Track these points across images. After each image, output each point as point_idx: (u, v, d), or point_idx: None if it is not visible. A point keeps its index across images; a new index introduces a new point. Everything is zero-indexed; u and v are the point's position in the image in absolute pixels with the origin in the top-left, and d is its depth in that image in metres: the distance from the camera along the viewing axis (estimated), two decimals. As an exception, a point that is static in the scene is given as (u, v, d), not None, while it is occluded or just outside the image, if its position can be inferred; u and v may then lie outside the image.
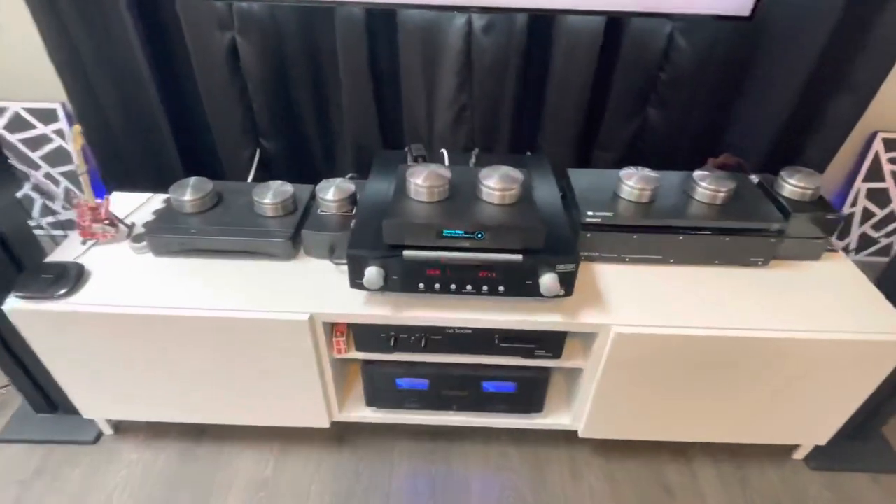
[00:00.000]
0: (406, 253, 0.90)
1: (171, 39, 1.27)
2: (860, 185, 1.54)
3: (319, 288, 1.00)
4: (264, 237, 1.03)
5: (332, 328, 1.03)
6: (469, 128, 1.37)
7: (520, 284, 0.92)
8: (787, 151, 1.39)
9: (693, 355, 0.97)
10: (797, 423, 1.10)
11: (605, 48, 1.25)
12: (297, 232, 1.06)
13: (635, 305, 0.98)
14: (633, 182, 1.04)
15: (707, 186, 1.04)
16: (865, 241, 1.64)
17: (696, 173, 1.06)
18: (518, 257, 0.90)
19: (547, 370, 1.07)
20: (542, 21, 1.23)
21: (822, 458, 1.18)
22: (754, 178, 1.15)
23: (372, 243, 0.91)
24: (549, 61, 1.29)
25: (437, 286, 0.92)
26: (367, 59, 1.27)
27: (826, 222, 1.05)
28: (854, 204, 1.57)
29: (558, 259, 0.90)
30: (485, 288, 0.92)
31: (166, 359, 1.03)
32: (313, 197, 1.14)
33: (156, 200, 1.24)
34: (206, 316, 0.96)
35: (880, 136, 1.47)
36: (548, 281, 0.89)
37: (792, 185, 1.07)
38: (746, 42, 1.26)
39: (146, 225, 1.08)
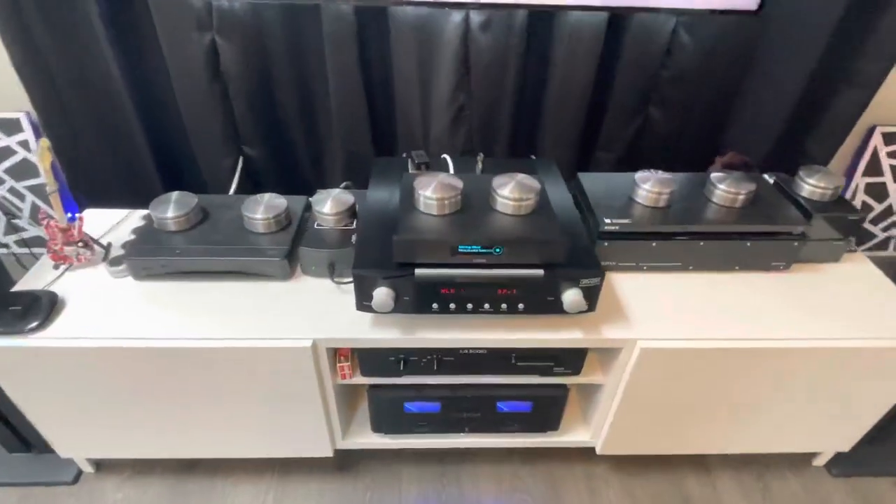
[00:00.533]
0: (418, 272, 0.82)
1: (145, 40, 1.16)
2: (859, 180, 1.52)
3: (320, 310, 0.91)
4: (257, 256, 0.94)
5: (336, 353, 0.95)
6: (467, 130, 1.29)
7: (541, 301, 0.85)
8: (789, 148, 1.35)
9: (718, 366, 0.92)
10: (821, 429, 1.05)
11: (606, 45, 1.19)
12: (292, 249, 0.96)
13: (658, 318, 0.92)
14: (650, 186, 0.97)
15: (726, 189, 0.98)
16: (863, 236, 1.62)
17: (714, 175, 1.01)
18: (539, 273, 0.82)
19: (565, 388, 1.00)
20: (542, 18, 1.16)
21: (843, 464, 1.15)
22: (769, 179, 1.10)
23: (379, 262, 0.83)
24: (549, 60, 1.22)
25: (452, 306, 0.85)
26: (357, 59, 1.18)
27: (848, 223, 1.00)
28: (853, 199, 1.55)
29: (582, 273, 0.83)
30: (503, 306, 0.85)
31: (152, 393, 0.93)
32: (308, 209, 1.05)
33: (134, 217, 1.13)
34: (196, 347, 0.86)
35: (879, 130, 1.44)
36: (572, 297, 0.82)
37: (811, 185, 1.02)
38: (749, 38, 1.21)
39: (125, 246, 0.98)
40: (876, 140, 1.46)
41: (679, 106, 1.29)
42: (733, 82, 1.28)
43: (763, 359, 0.91)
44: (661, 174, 1.00)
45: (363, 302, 0.84)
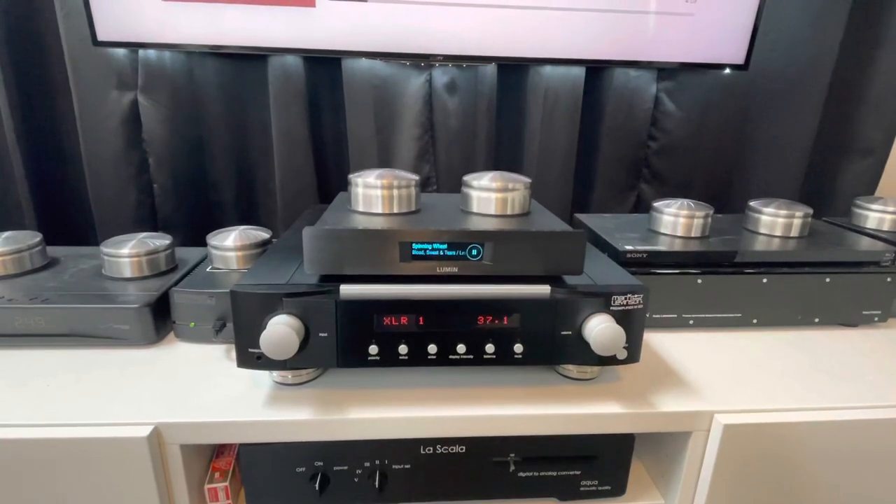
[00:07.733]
0: (345, 287, 0.46)
1: (51, 96, 0.94)
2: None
3: (186, 387, 0.51)
4: (103, 304, 0.56)
5: (209, 467, 0.52)
6: (434, 204, 1.02)
7: (549, 340, 0.48)
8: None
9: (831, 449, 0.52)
10: None
11: (588, 113, 1.02)
12: (164, 298, 0.59)
13: (733, 383, 0.54)
14: (677, 209, 0.68)
15: (776, 212, 0.69)
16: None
17: (753, 202, 0.72)
18: (544, 288, 0.47)
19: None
20: (514, 77, 0.99)
21: None
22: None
23: (281, 277, 0.47)
24: (524, 125, 1.03)
25: (401, 350, 0.46)
26: (307, 125, 0.97)
27: (947, 255, 0.70)
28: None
29: (613, 287, 0.48)
30: (489, 349, 0.47)
31: None
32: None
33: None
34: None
35: None
36: (603, 329, 0.45)
37: (878, 211, 0.74)
38: (740, 106, 1.05)
39: None
40: None
41: (672, 183, 1.08)
42: (729, 155, 1.09)
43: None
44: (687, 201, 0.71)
45: (247, 348, 0.45)
